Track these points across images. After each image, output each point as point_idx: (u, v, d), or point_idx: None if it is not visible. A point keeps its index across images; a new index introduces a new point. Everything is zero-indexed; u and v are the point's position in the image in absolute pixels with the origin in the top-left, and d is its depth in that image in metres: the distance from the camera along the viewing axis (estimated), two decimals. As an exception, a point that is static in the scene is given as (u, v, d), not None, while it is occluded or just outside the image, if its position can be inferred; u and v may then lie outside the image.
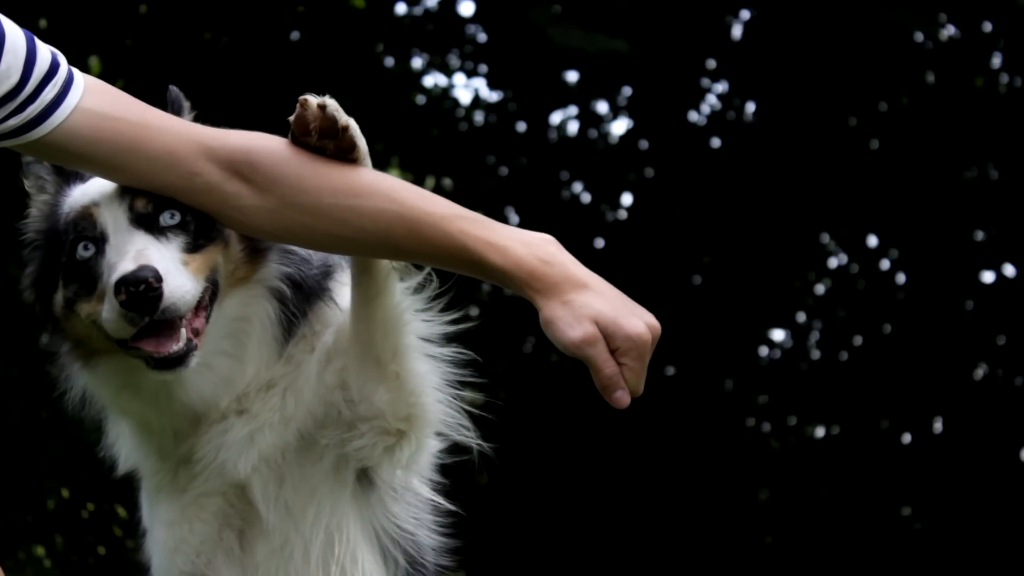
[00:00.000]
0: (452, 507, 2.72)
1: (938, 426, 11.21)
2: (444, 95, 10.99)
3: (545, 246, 2.34)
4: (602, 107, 11.36)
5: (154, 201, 2.43)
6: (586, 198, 11.34)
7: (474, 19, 10.50)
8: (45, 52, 2.35)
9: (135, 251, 2.38)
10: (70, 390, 2.60)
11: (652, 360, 2.32)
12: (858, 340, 11.42)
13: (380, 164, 2.44)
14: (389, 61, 10.38)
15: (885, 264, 11.42)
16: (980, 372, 11.17)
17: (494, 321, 10.14)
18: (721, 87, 11.15)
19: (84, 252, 2.44)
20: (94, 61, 8.72)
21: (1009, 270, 11.02)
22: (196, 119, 2.55)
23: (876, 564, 10.77)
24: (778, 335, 11.57)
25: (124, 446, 2.67)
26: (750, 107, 11.17)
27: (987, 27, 10.73)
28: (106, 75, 8.46)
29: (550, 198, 11.11)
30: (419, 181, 10.42)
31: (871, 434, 11.30)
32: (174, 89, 2.59)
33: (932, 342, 11.01)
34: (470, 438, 2.62)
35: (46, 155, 2.41)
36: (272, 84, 8.82)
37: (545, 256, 2.32)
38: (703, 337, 10.86)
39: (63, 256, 2.48)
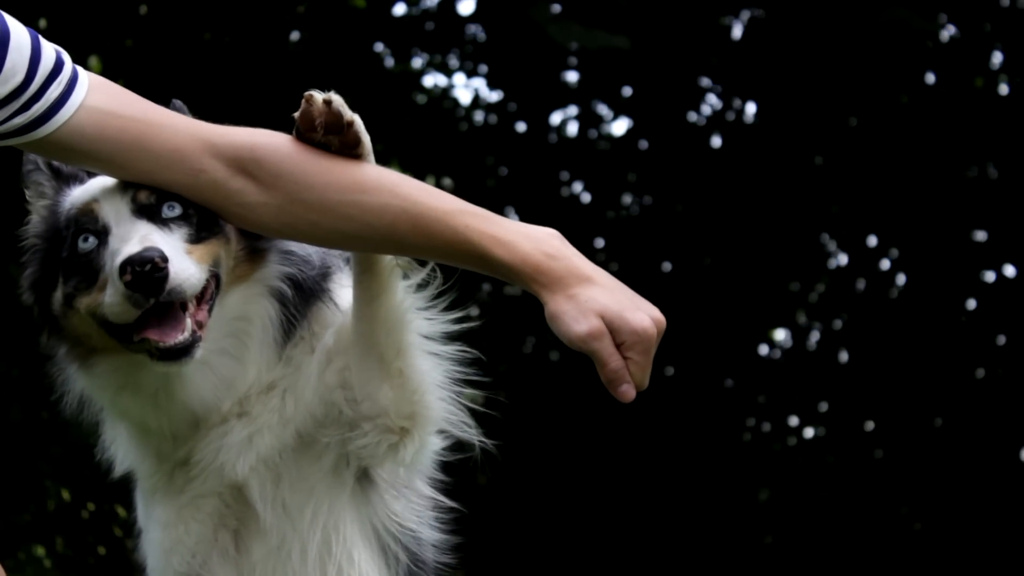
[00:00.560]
0: (453, 505, 2.72)
1: (938, 426, 11.21)
2: (444, 95, 10.99)
3: (550, 240, 2.34)
4: (602, 107, 11.36)
5: (156, 193, 2.43)
6: (586, 198, 11.34)
7: (474, 18, 10.50)
8: (50, 50, 2.35)
9: (139, 236, 2.37)
10: (68, 393, 2.59)
11: (653, 360, 2.32)
12: (858, 340, 11.42)
13: (380, 164, 2.44)
14: (389, 61, 10.38)
15: (885, 264, 11.42)
16: (980, 372, 11.17)
17: (494, 321, 10.14)
18: (721, 87, 11.14)
19: (85, 245, 2.44)
20: (94, 61, 8.72)
21: (1009, 270, 11.02)
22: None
23: (876, 564, 10.77)
24: (778, 335, 11.58)
25: (120, 448, 2.66)
26: (750, 107, 11.17)
27: (987, 27, 10.74)
28: (106, 75, 8.41)
29: (550, 198, 11.11)
30: (419, 180, 10.43)
31: (871, 434, 11.30)
32: (177, 102, 2.58)
33: (932, 342, 11.01)
34: (472, 435, 2.61)
35: (51, 153, 2.41)
36: (272, 84, 8.83)
37: (550, 250, 2.32)
38: (703, 337, 10.86)
39: (64, 251, 2.47)
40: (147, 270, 2.29)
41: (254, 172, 2.39)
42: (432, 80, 10.99)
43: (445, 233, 2.34)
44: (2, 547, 7.54)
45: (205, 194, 2.41)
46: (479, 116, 11.18)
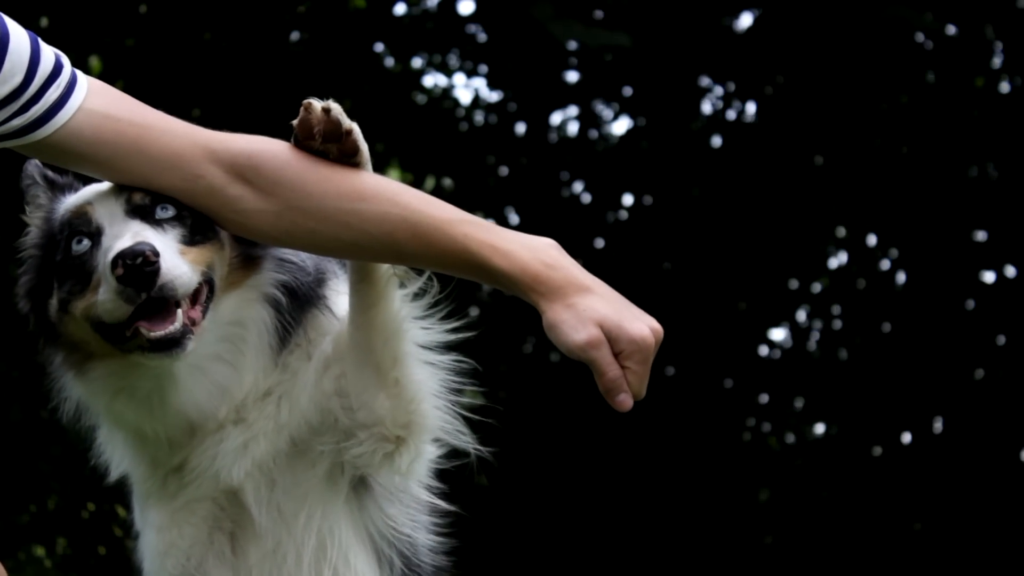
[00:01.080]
0: (451, 508, 2.73)
1: (938, 426, 11.20)
2: (444, 95, 10.99)
3: (548, 250, 2.35)
4: (603, 107, 11.35)
5: (151, 196, 2.43)
6: (586, 198, 11.34)
7: (474, 18, 10.50)
8: (49, 54, 2.36)
9: (132, 233, 2.38)
10: (65, 402, 2.59)
11: (653, 360, 2.33)
12: (858, 340, 11.42)
13: (380, 164, 2.45)
14: (389, 61, 10.38)
15: (885, 264, 11.42)
16: (980, 372, 11.17)
17: (495, 322, 10.14)
18: (721, 87, 11.14)
19: (79, 247, 2.44)
20: (95, 61, 8.72)
21: (1009, 270, 11.02)
22: (199, 122, 2.55)
23: (876, 564, 10.77)
24: (778, 334, 11.57)
25: (115, 453, 2.66)
26: (750, 107, 11.17)
27: (987, 27, 10.73)
28: (107, 75, 8.49)
29: (550, 198, 11.11)
30: (419, 181, 10.43)
31: (871, 434, 11.30)
32: None
33: (932, 342, 11.01)
34: (468, 443, 2.62)
35: (49, 156, 2.41)
36: (272, 84, 8.83)
37: (548, 260, 2.33)
38: (703, 337, 10.86)
39: (58, 255, 2.48)
40: (138, 263, 2.30)
41: (252, 179, 2.39)
42: (432, 80, 11.00)
43: (444, 242, 2.34)
44: (2, 547, 7.54)
45: (202, 200, 2.41)
46: (479, 116, 11.18)
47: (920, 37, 10.50)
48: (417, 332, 2.56)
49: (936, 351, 10.99)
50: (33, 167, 2.59)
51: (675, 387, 10.76)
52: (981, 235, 11.14)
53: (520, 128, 11.18)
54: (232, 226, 2.45)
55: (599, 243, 11.13)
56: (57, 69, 2.35)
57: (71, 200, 2.53)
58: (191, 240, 2.43)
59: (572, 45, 10.57)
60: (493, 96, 11.19)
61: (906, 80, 10.85)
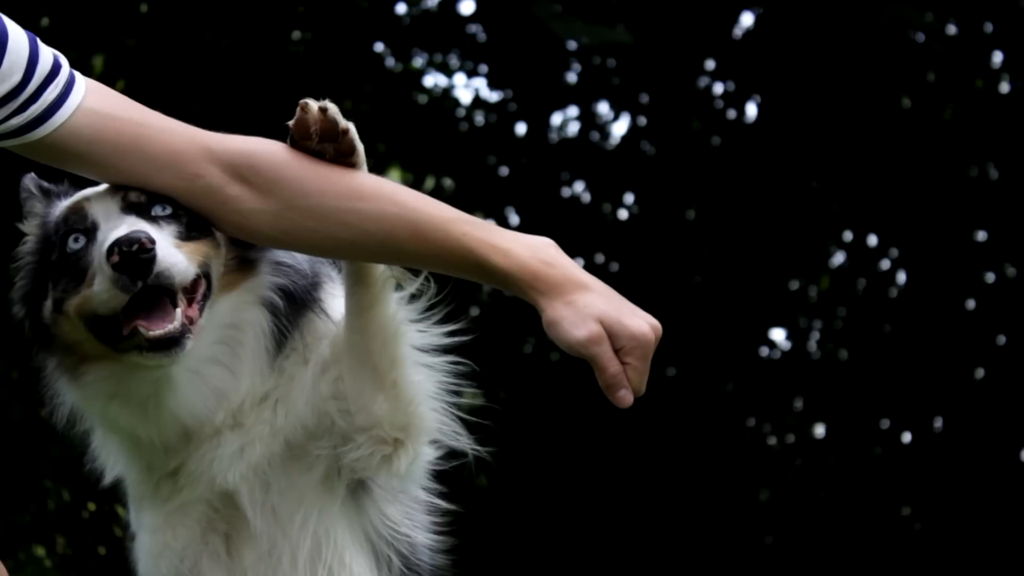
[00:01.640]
0: (451, 509, 2.73)
1: (938, 426, 11.20)
2: (445, 95, 10.99)
3: (546, 248, 2.36)
4: (603, 108, 11.35)
5: (147, 194, 2.43)
6: (587, 199, 11.34)
7: (474, 18, 10.50)
8: (47, 53, 2.36)
9: (127, 224, 2.37)
10: (59, 407, 2.58)
11: (653, 361, 2.34)
12: (858, 340, 11.42)
13: (381, 164, 2.46)
14: (390, 61, 10.39)
15: (885, 264, 11.42)
16: (980, 372, 11.17)
17: (495, 321, 10.14)
18: (722, 87, 11.14)
19: (74, 245, 2.43)
20: (96, 61, 8.72)
21: (1009, 270, 11.02)
22: (199, 122, 2.55)
23: (876, 564, 10.77)
24: (778, 335, 11.57)
25: (109, 457, 2.66)
26: (751, 107, 11.17)
27: (988, 27, 10.73)
28: (108, 75, 8.50)
29: (551, 199, 11.11)
30: (419, 181, 10.43)
31: (871, 434, 11.30)
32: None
33: (932, 342, 11.01)
34: (466, 445, 2.62)
35: (47, 156, 2.41)
36: (273, 84, 8.83)
37: (547, 258, 2.34)
38: (703, 337, 10.86)
39: (54, 254, 2.47)
40: (134, 250, 2.28)
41: (251, 178, 2.39)
42: (433, 80, 11.00)
43: (443, 240, 2.35)
44: (2, 547, 7.54)
45: (200, 200, 2.41)
46: (480, 116, 11.17)
47: (921, 37, 10.50)
48: (414, 334, 2.56)
49: (936, 351, 10.99)
50: (30, 180, 2.59)
51: (676, 387, 10.76)
52: (981, 235, 11.14)
53: (520, 128, 11.18)
54: (230, 226, 2.44)
55: (599, 243, 11.13)
56: (55, 69, 2.35)
57: (67, 201, 2.53)
58: (187, 236, 2.43)
59: (572, 45, 10.58)
60: (493, 96, 11.19)
61: (906, 80, 10.86)
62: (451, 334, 2.59)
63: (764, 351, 11.50)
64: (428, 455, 2.61)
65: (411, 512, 2.68)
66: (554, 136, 11.29)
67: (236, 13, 8.98)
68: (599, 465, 10.82)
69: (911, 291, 11.27)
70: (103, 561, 8.09)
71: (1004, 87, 10.93)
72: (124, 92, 2.46)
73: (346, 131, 2.37)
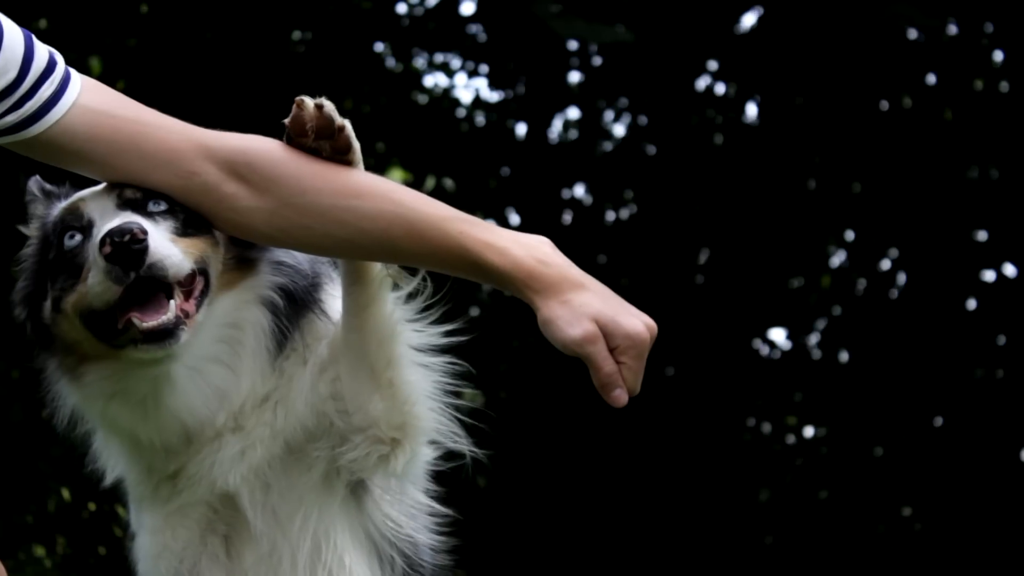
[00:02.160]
0: (451, 510, 2.73)
1: (938, 426, 11.20)
2: (445, 95, 10.99)
3: (541, 247, 2.36)
4: (604, 108, 11.34)
5: (142, 191, 2.43)
6: (587, 199, 11.33)
7: (475, 18, 10.50)
8: (43, 50, 2.36)
9: (121, 219, 2.37)
10: (60, 409, 2.58)
11: (652, 360, 2.34)
12: (858, 340, 11.41)
13: (381, 164, 2.46)
14: (390, 61, 10.39)
15: (885, 264, 11.42)
16: (980, 372, 11.16)
17: (494, 321, 10.14)
18: (722, 87, 11.14)
19: (71, 242, 2.44)
20: (95, 61, 8.72)
21: (1009, 270, 11.01)
22: (199, 121, 2.55)
23: (876, 564, 10.77)
24: (778, 335, 11.57)
25: (110, 458, 2.66)
26: (751, 107, 11.17)
27: (988, 27, 10.73)
28: (107, 75, 8.50)
29: (551, 199, 11.10)
30: (420, 181, 10.43)
31: (871, 434, 11.29)
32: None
33: (932, 342, 11.00)
34: (463, 445, 2.62)
35: (43, 154, 2.41)
36: (274, 84, 8.83)
37: (542, 257, 2.34)
38: (703, 337, 10.85)
39: (51, 254, 2.47)
40: (126, 240, 2.29)
41: (247, 176, 2.39)
42: (433, 80, 11.00)
43: (439, 238, 2.34)
44: (2, 547, 7.53)
45: (197, 197, 2.41)
46: (480, 117, 11.17)
47: (921, 37, 10.49)
48: (411, 334, 2.55)
49: (936, 351, 10.99)
50: (34, 183, 2.60)
51: (675, 388, 10.76)
52: (981, 235, 11.14)
53: (521, 129, 11.18)
54: (227, 224, 2.44)
55: (600, 244, 11.13)
56: (51, 66, 2.35)
57: (64, 201, 2.53)
58: (183, 232, 2.43)
59: (573, 45, 10.58)
60: (494, 96, 11.19)
61: (907, 81, 10.85)
62: (449, 334, 2.59)
63: (764, 351, 11.50)
64: (426, 455, 2.61)
65: (413, 513, 2.68)
66: (555, 136, 11.28)
67: (236, 13, 8.98)
68: (599, 465, 10.81)
69: (911, 291, 11.26)
70: (103, 561, 8.08)
71: (1004, 87, 10.93)
72: (124, 92, 2.46)
73: (342, 128, 2.37)
